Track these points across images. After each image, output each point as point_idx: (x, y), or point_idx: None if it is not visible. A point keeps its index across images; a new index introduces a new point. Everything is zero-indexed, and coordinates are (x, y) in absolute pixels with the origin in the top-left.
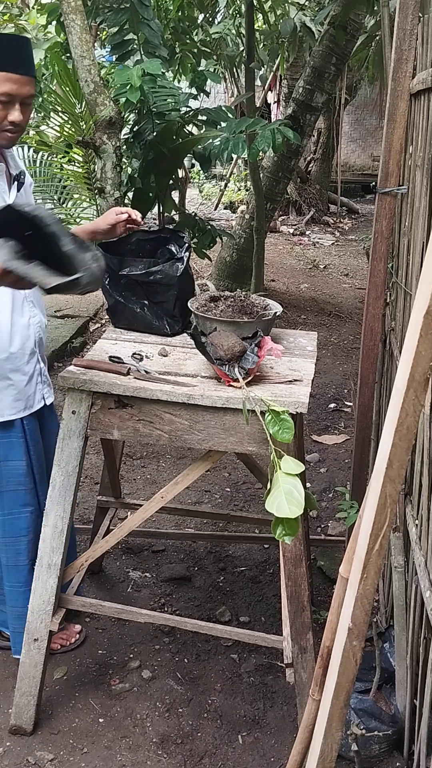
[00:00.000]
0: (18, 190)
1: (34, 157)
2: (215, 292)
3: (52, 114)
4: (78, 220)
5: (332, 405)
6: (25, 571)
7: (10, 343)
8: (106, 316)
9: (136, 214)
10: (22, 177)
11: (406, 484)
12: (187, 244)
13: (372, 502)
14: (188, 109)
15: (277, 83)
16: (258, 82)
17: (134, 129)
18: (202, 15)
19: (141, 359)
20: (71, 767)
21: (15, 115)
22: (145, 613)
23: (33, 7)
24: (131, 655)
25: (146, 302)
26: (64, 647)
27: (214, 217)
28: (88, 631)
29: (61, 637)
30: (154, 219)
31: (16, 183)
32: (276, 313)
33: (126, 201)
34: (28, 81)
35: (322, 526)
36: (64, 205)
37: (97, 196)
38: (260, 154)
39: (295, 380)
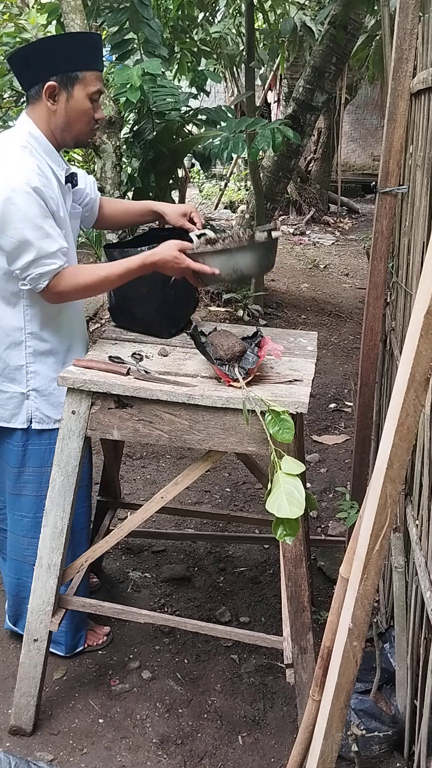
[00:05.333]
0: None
1: None
2: (213, 236)
3: None
4: None
5: (332, 405)
6: None
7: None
8: (106, 316)
9: (199, 225)
10: (75, 179)
11: (407, 485)
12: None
13: (372, 503)
14: (188, 108)
15: (277, 83)
16: (258, 82)
17: (134, 128)
18: (202, 14)
19: (141, 359)
20: None
21: (101, 112)
22: (145, 613)
23: (33, 7)
24: (131, 656)
25: (146, 302)
26: (90, 647)
27: (214, 217)
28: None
29: (89, 638)
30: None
31: (69, 185)
32: (275, 235)
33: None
34: None
35: (323, 526)
36: None
37: None
38: (260, 153)
39: (295, 380)
